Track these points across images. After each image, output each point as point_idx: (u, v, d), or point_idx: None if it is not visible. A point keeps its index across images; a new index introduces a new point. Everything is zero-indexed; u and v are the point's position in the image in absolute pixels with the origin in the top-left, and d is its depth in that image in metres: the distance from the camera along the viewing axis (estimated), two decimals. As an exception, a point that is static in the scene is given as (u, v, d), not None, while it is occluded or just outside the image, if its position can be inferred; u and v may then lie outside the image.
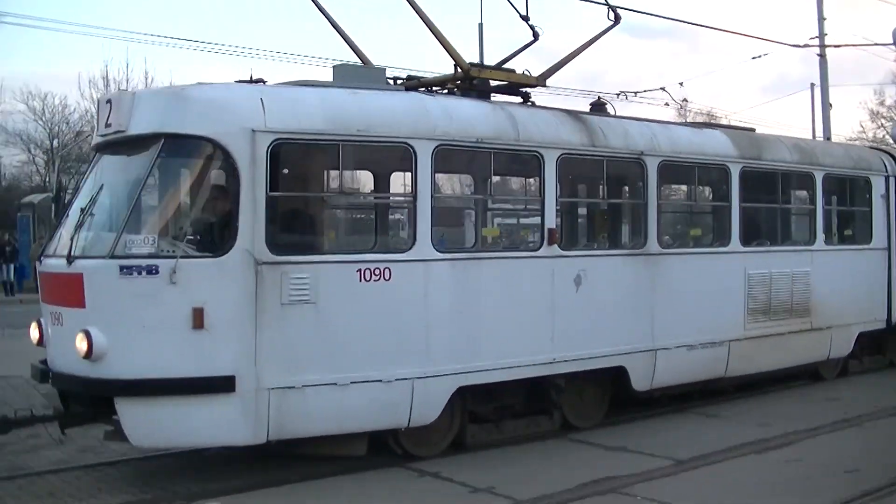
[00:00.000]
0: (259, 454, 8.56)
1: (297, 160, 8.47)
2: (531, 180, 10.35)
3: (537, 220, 9.69)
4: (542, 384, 9.70)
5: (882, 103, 51.32)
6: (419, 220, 8.52)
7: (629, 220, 11.26)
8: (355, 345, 8.21)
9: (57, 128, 46.72)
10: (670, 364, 10.65)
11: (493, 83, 10.36)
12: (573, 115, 10.22)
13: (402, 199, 9.39)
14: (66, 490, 8.09)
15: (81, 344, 7.55)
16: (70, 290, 7.81)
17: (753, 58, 37.75)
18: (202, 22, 70.11)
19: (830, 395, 12.47)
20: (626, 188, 11.53)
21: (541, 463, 9.01)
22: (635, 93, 25.94)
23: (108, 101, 8.29)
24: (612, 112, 11.32)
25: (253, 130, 7.79)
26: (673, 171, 11.15)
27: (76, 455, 9.18)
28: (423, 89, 9.95)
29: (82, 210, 8.09)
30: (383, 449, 8.85)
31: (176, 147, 8.02)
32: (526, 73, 10.45)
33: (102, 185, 8.22)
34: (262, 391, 7.79)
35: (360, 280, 8.21)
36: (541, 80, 10.53)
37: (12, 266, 31.91)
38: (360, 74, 9.53)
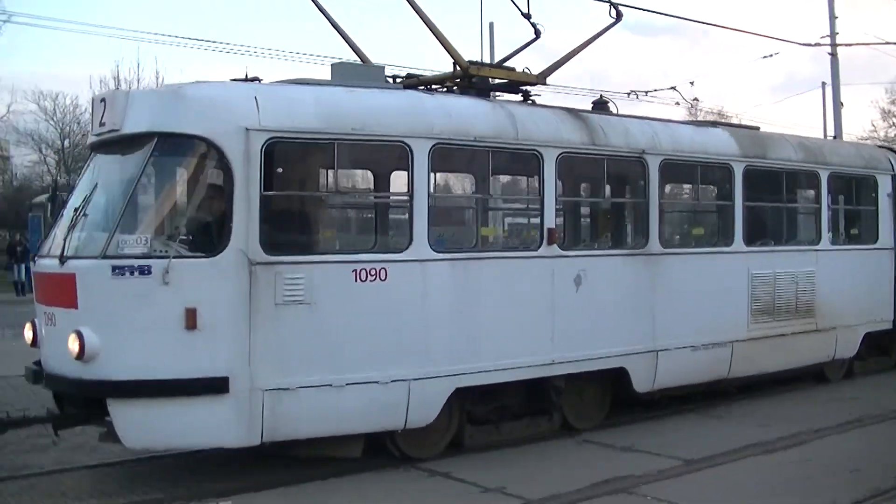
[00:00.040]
0: (263, 455, 8.48)
1: (291, 159, 8.39)
2: (530, 179, 10.25)
3: (537, 219, 9.60)
4: (542, 385, 9.61)
5: (894, 102, 51.02)
6: (416, 219, 8.43)
7: (630, 220, 11.15)
8: (351, 346, 8.13)
9: (68, 128, 46.73)
10: (672, 365, 10.54)
11: (493, 81, 10.27)
12: (573, 113, 10.11)
13: (398, 198, 9.31)
14: (64, 490, 8.07)
15: (73, 345, 7.49)
16: (63, 291, 7.75)
17: (764, 57, 37.59)
18: (213, 22, 70.34)
19: (837, 396, 12.41)
20: (628, 187, 11.41)
21: (551, 463, 9.01)
22: (646, 92, 25.86)
23: (103, 99, 8.23)
24: (614, 111, 11.22)
25: (247, 129, 7.71)
26: (675, 170, 11.04)
27: (72, 455, 9.12)
28: (422, 88, 9.88)
29: (76, 210, 8.04)
30: (381, 451, 8.77)
31: (169, 146, 7.95)
32: (526, 71, 10.34)
33: (96, 184, 8.17)
34: (256, 392, 7.72)
35: (356, 280, 8.12)
36: (541, 79, 10.42)
37: (24, 266, 31.96)
38: (358, 73, 9.44)
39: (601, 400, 10.40)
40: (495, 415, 9.53)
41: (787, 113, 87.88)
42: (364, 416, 8.27)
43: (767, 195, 12.21)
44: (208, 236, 7.80)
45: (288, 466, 8.47)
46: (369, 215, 10.17)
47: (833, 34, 26.21)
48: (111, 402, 7.55)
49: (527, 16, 10.54)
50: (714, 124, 12.27)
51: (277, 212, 8.03)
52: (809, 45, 25.42)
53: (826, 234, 12.72)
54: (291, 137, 8.02)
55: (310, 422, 8.01)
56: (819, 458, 9.10)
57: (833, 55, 26.56)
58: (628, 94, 25.34)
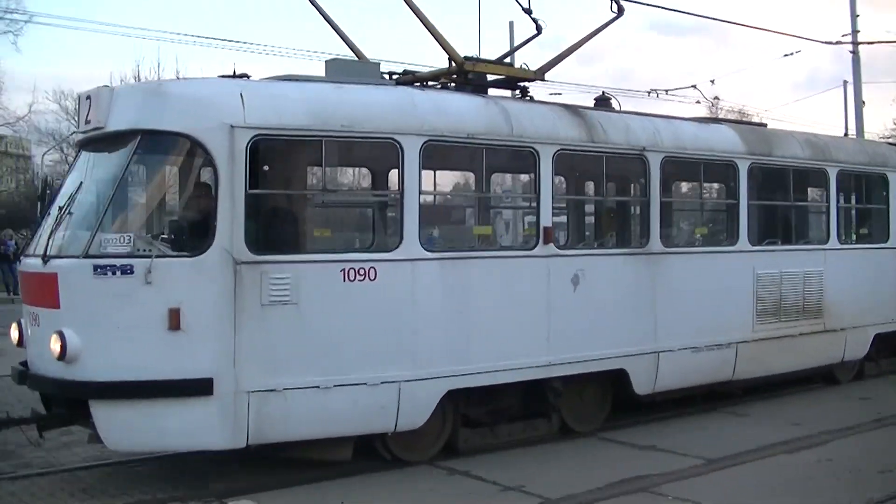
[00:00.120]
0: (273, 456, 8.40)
1: (278, 156, 8.24)
2: (526, 177, 10.05)
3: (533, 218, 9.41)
4: (539, 387, 9.42)
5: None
6: (406, 218, 8.26)
7: (631, 219, 10.94)
8: (339, 347, 7.98)
9: (90, 127, 46.62)
10: (674, 367, 10.32)
11: (490, 77, 10.09)
12: (571, 109, 9.91)
13: (388, 196, 9.14)
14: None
15: (55, 345, 7.39)
16: (45, 291, 7.65)
17: (785, 55, 37.35)
18: (234, 21, 70.46)
19: (850, 396, 12.30)
20: (628, 185, 11.21)
21: (571, 462, 8.96)
22: (666, 90, 25.76)
23: (88, 97, 8.10)
24: (617, 107, 11.03)
25: (231, 126, 7.57)
26: (677, 167, 10.84)
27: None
28: (418, 84, 9.72)
29: (60, 209, 7.93)
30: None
31: (153, 143, 7.82)
32: (524, 66, 10.16)
33: (81, 182, 8.05)
34: (242, 394, 7.58)
35: (344, 280, 7.97)
36: (539, 74, 10.23)
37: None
38: (353, 69, 9.30)
39: (601, 402, 10.20)
40: (491, 417, 9.36)
41: (809, 111, 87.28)
42: (353, 419, 8.11)
43: (774, 193, 12.00)
44: (192, 235, 7.66)
45: (303, 466, 8.37)
46: (358, 214, 10.02)
47: (854, 32, 25.94)
48: (93, 404, 7.43)
49: (528, 11, 10.37)
50: (719, 121, 12.04)
51: (263, 210, 7.90)
52: (831, 43, 25.20)
53: (834, 233, 12.45)
54: (278, 135, 7.88)
55: (297, 424, 7.86)
56: (846, 457, 8.98)
57: (854, 53, 26.29)
58: (649, 92, 25.36)
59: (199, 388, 7.48)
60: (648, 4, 13.51)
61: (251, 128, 7.64)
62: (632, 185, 11.01)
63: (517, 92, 10.34)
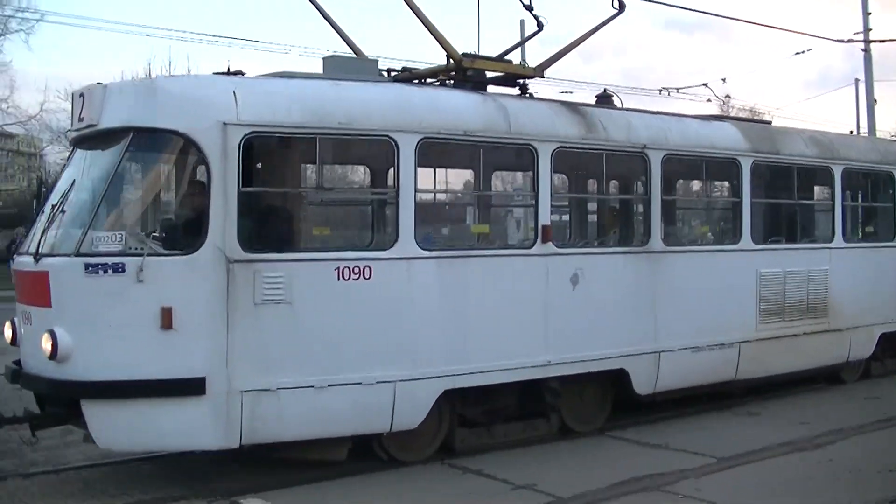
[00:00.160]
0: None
1: (272, 154, 8.15)
2: (525, 175, 9.96)
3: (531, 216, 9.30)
4: (538, 387, 9.32)
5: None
6: (402, 216, 8.18)
7: (631, 217, 10.84)
8: (333, 346, 7.90)
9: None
10: (675, 366, 10.21)
11: (489, 75, 9.99)
12: (570, 106, 9.81)
13: (383, 194, 9.06)
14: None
15: (46, 344, 7.33)
16: (37, 289, 7.60)
17: (797, 53, 37.19)
18: (245, 19, 70.50)
19: (870, 395, 12.23)
20: (629, 183, 11.09)
21: (583, 460, 8.97)
22: (677, 89, 25.64)
23: (81, 94, 8.04)
24: (618, 104, 10.92)
25: (224, 123, 7.50)
26: (679, 165, 10.73)
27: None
28: (416, 81, 9.63)
29: (53, 206, 7.88)
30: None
31: (145, 141, 7.75)
32: (523, 63, 10.06)
33: (74, 180, 8.00)
34: (235, 394, 7.51)
35: (339, 279, 7.89)
36: (538, 71, 10.13)
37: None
38: (350, 66, 9.23)
39: (601, 402, 10.10)
40: (489, 417, 9.27)
41: (821, 110, 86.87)
42: (348, 419, 8.03)
43: (778, 191, 11.88)
44: (184, 233, 7.61)
45: (309, 463, 8.33)
46: (353, 212, 9.94)
47: (866, 30, 25.82)
48: (85, 403, 7.37)
49: (529, 7, 10.27)
50: (722, 118, 11.90)
51: (257, 208, 7.83)
52: (842, 41, 25.08)
53: (840, 232, 12.31)
54: (271, 132, 7.80)
55: (291, 424, 7.78)
56: (856, 456, 8.97)
57: (866, 51, 26.18)
58: (660, 90, 25.21)
59: (192, 387, 7.41)
60: (653, 1, 13.40)
61: (244, 125, 7.56)
62: (633, 183, 10.91)
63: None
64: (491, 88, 9.89)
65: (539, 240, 9.07)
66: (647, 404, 10.37)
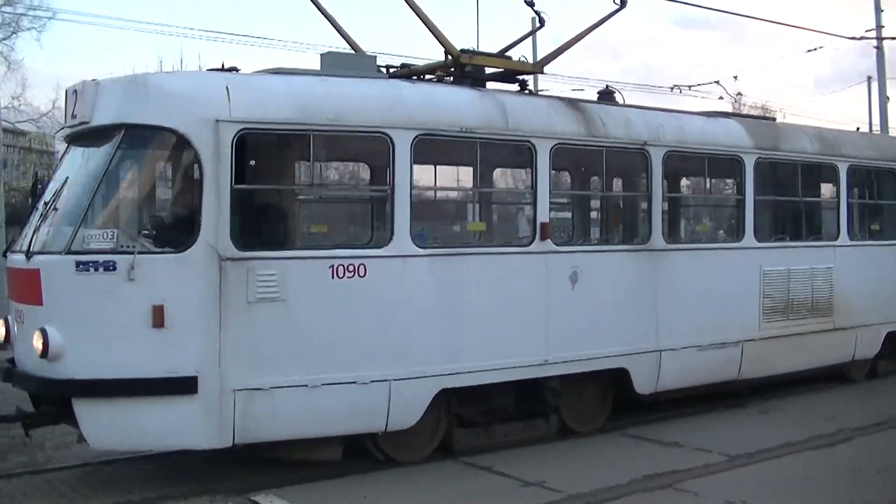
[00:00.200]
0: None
1: (265, 151, 8.08)
2: (523, 172, 9.85)
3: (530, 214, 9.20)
4: (536, 386, 9.23)
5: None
6: (397, 213, 8.09)
7: (632, 214, 10.72)
8: (328, 345, 7.83)
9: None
10: (677, 366, 10.10)
11: (489, 71, 9.90)
12: (570, 102, 9.71)
13: (378, 191, 8.97)
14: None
15: (37, 343, 7.28)
16: (29, 287, 7.55)
17: (808, 51, 36.91)
18: (257, 17, 70.54)
19: (883, 393, 12.22)
20: (629, 180, 10.98)
21: (594, 458, 8.97)
22: (689, 86, 25.50)
23: (74, 91, 7.99)
24: (621, 101, 10.81)
25: (217, 120, 7.43)
26: (681, 162, 10.61)
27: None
28: (416, 78, 9.54)
29: (45, 204, 7.83)
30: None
31: (136, 138, 7.69)
32: (522, 59, 9.96)
33: (67, 178, 7.94)
34: (227, 393, 7.45)
35: (333, 277, 7.81)
36: (538, 67, 10.06)
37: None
38: (348, 62, 9.15)
39: (601, 402, 10.00)
40: (487, 417, 9.18)
41: (833, 108, 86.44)
42: (342, 418, 7.96)
43: (782, 189, 11.74)
44: (176, 231, 7.55)
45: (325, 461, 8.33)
46: (348, 209, 9.85)
47: (879, 27, 25.58)
48: (76, 402, 7.32)
49: (530, 3, 10.17)
50: (726, 115, 11.77)
51: (249, 206, 7.77)
52: (855, 38, 24.80)
53: (845, 229, 12.16)
54: (264, 129, 7.73)
55: (284, 423, 7.72)
56: (870, 455, 8.92)
57: (879, 49, 25.95)
58: (672, 88, 25.08)
59: (184, 386, 7.36)
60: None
61: (237, 122, 7.50)
62: (633, 180, 10.78)
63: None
64: (491, 86, 9.83)
65: (537, 237, 8.97)
66: (648, 403, 10.27)
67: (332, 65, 8.89)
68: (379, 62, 9.35)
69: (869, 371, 13.01)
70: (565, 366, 9.22)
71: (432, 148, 8.63)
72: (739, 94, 34.42)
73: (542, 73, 10.09)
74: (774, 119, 13.05)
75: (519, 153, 9.19)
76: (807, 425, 10.06)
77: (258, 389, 7.56)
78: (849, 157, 12.30)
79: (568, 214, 11.35)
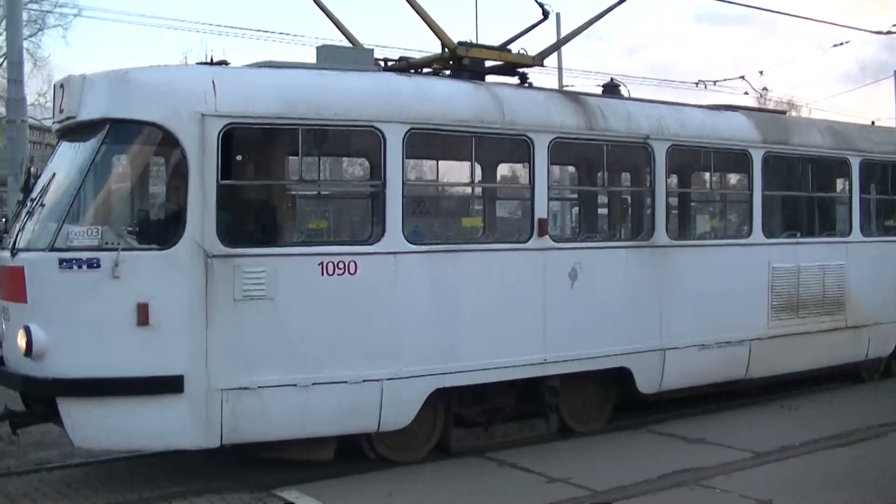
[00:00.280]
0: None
1: (252, 146, 7.95)
2: (520, 167, 9.66)
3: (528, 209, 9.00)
4: (536, 386, 9.04)
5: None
6: (389, 209, 7.91)
7: (635, 210, 10.47)
8: (317, 344, 7.67)
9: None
10: (681, 365, 9.87)
11: (488, 64, 9.71)
12: (569, 95, 9.51)
13: (369, 186, 8.80)
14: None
15: (21, 341, 7.20)
16: (14, 285, 7.46)
17: (835, 45, 36.29)
18: (283, 11, 70.55)
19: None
20: (631, 175, 10.75)
21: (619, 454, 8.92)
22: (714, 82, 25.16)
23: (62, 85, 7.88)
24: (626, 94, 10.59)
25: (202, 115, 7.29)
26: (685, 156, 10.37)
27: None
28: (412, 71, 9.37)
29: (32, 200, 7.73)
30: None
31: (121, 133, 7.55)
32: (522, 52, 9.76)
33: (54, 173, 7.84)
34: (214, 392, 7.32)
35: (323, 274, 7.65)
36: (538, 60, 9.83)
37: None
38: (345, 56, 8.97)
39: (603, 402, 9.79)
40: (485, 417, 9.00)
41: (859, 102, 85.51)
42: (333, 418, 7.81)
43: (792, 184, 11.48)
44: (161, 228, 7.45)
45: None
46: (338, 205, 9.68)
47: (905, 21, 25.16)
48: (60, 401, 7.21)
49: (534, -5, 9.98)
50: (734, 108, 11.50)
51: (236, 202, 7.63)
52: (881, 32, 24.37)
53: (857, 226, 11.86)
54: (251, 123, 7.58)
55: (274, 423, 7.58)
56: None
57: (905, 43, 25.52)
58: (696, 83, 24.77)
59: (170, 385, 7.24)
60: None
61: (223, 116, 7.35)
62: (636, 174, 10.56)
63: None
64: (491, 80, 9.63)
65: (535, 233, 8.77)
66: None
67: (329, 58, 8.74)
68: (377, 56, 9.20)
69: (883, 371, 12.70)
70: (564, 365, 9.02)
71: (426, 142, 8.46)
72: (765, 89, 34.01)
73: (542, 65, 9.86)
74: (784, 112, 12.75)
75: (516, 147, 8.98)
76: (829, 422, 9.90)
77: (246, 389, 7.42)
78: (861, 152, 12.00)
79: (568, 210, 11.15)
